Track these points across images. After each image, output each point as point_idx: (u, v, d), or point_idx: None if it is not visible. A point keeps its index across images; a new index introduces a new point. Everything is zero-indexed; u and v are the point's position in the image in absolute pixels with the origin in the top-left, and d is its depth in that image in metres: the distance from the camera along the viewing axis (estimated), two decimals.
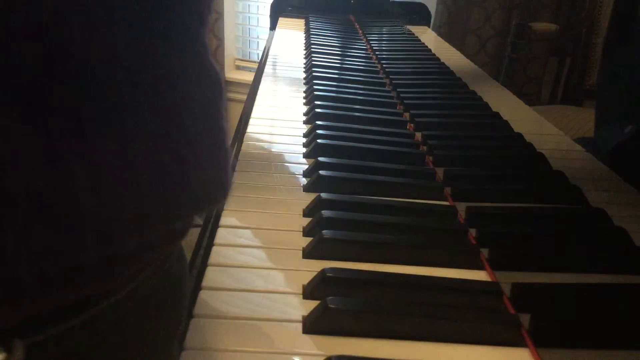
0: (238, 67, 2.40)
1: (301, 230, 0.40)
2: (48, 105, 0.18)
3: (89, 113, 0.19)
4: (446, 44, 1.19)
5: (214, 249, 0.36)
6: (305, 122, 0.63)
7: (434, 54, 1.00)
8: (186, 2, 0.22)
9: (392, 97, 0.72)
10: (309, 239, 0.38)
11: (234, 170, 0.49)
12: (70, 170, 0.18)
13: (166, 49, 0.22)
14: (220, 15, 2.13)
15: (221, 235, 0.38)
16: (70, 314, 0.23)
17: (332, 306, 0.30)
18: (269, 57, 0.94)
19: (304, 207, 0.43)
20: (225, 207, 0.42)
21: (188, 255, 0.46)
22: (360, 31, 1.18)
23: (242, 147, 0.54)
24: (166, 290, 0.28)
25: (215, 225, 0.39)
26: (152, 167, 0.21)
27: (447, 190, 0.48)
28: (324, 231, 0.37)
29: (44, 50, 0.17)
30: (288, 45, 1.05)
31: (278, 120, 0.63)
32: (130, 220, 0.21)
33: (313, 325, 0.30)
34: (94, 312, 0.23)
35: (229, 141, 0.27)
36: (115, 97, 0.20)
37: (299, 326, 0.30)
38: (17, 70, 0.17)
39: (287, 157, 0.53)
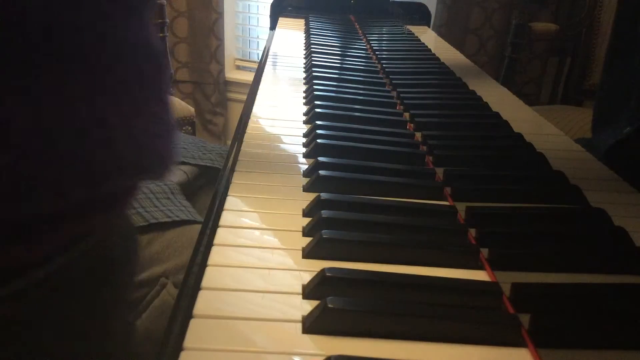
0: (238, 67, 2.40)
1: (301, 230, 0.40)
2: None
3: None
4: (446, 44, 1.19)
5: (214, 249, 0.36)
6: (305, 122, 0.63)
7: (434, 54, 1.00)
8: None
9: (392, 97, 0.72)
10: (308, 239, 0.38)
11: (232, 170, 0.49)
12: None
13: (107, 25, 0.22)
14: (220, 15, 2.13)
15: (221, 235, 0.38)
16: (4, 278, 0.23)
17: (332, 306, 0.30)
18: (269, 57, 0.94)
19: (304, 207, 0.43)
20: (225, 207, 0.42)
21: (188, 255, 0.46)
22: (360, 31, 1.18)
23: (242, 147, 0.54)
24: (105, 272, 0.28)
25: (215, 225, 0.39)
26: (69, 128, 0.21)
27: (447, 190, 0.48)
28: (323, 231, 0.37)
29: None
30: (288, 45, 1.05)
31: (278, 120, 0.63)
32: (46, 177, 0.20)
33: (313, 325, 0.30)
34: (24, 283, 0.23)
35: (172, 114, 0.27)
36: (43, 60, 0.20)
37: (299, 326, 0.30)
38: None
39: (287, 157, 0.53)
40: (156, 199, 0.75)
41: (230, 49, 2.33)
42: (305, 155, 0.53)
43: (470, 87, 0.79)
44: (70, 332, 0.27)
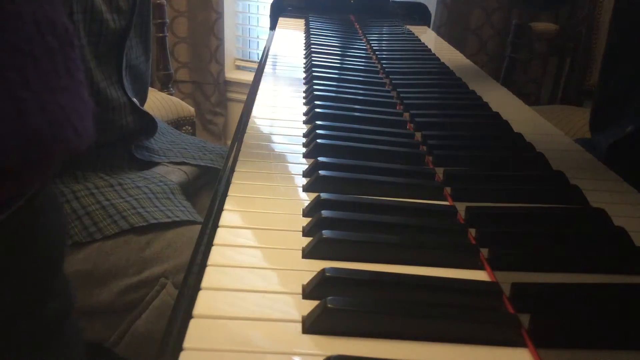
0: (238, 67, 2.40)
1: (301, 230, 0.40)
2: None
3: None
4: (446, 44, 1.19)
5: (214, 249, 0.36)
6: (305, 122, 0.63)
7: (434, 54, 1.00)
8: None
9: (392, 97, 0.72)
10: (308, 239, 0.38)
11: (232, 170, 0.48)
12: None
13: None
14: (220, 15, 2.13)
15: (221, 235, 0.38)
16: None
17: (332, 306, 0.30)
18: (269, 57, 0.94)
19: (304, 207, 0.43)
20: (225, 207, 0.42)
21: (188, 255, 0.46)
22: (360, 31, 1.18)
23: (242, 147, 0.54)
24: (25, 243, 0.29)
25: (215, 225, 0.39)
26: None
27: (447, 190, 0.48)
28: (323, 231, 0.37)
29: None
30: (288, 45, 1.05)
31: (278, 120, 0.63)
32: None
33: (313, 325, 0.30)
34: None
35: (85, 90, 0.28)
36: None
37: (299, 326, 0.30)
38: None
39: (287, 157, 0.53)
40: (156, 198, 0.75)
41: (230, 49, 2.33)
42: (305, 155, 0.53)
43: (470, 87, 0.79)
44: None
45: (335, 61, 0.89)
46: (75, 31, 0.26)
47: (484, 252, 0.38)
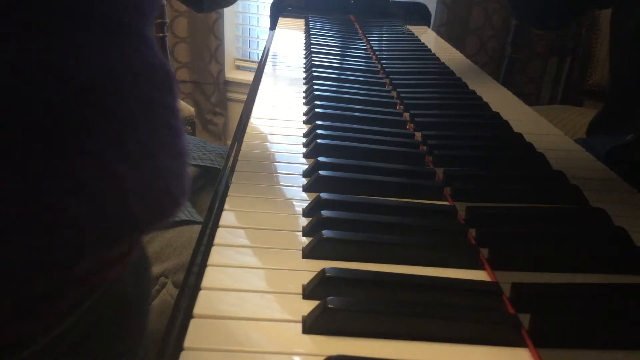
0: (238, 67, 2.40)
1: (301, 230, 0.40)
2: None
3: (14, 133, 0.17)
4: (446, 44, 1.19)
5: (214, 249, 0.36)
6: (305, 122, 0.63)
7: (434, 54, 1.00)
8: (122, 2, 0.20)
9: (392, 97, 0.72)
10: (309, 239, 0.38)
11: (232, 170, 0.49)
12: None
13: (102, 56, 0.19)
14: (220, 15, 2.13)
15: (221, 235, 0.38)
16: (20, 347, 0.21)
17: (332, 306, 0.30)
18: (269, 57, 0.94)
19: (304, 207, 0.43)
20: (225, 207, 0.42)
21: (188, 254, 0.46)
22: (360, 31, 1.18)
23: (242, 147, 0.54)
24: (121, 307, 0.27)
25: (215, 225, 0.39)
26: (69, 193, 0.18)
27: (447, 190, 0.48)
28: (323, 231, 0.37)
29: None
30: (288, 45, 1.05)
31: (278, 120, 0.63)
32: (60, 250, 0.18)
33: (313, 325, 0.30)
34: (45, 340, 0.22)
35: (183, 138, 0.24)
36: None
37: (299, 326, 0.30)
38: None
39: (287, 157, 0.53)
40: None
41: (230, 49, 2.33)
42: (305, 155, 0.53)
43: (470, 87, 0.79)
44: None
45: (335, 61, 0.89)
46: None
47: (484, 252, 0.38)
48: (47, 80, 0.17)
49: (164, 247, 0.69)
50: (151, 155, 0.21)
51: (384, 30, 1.25)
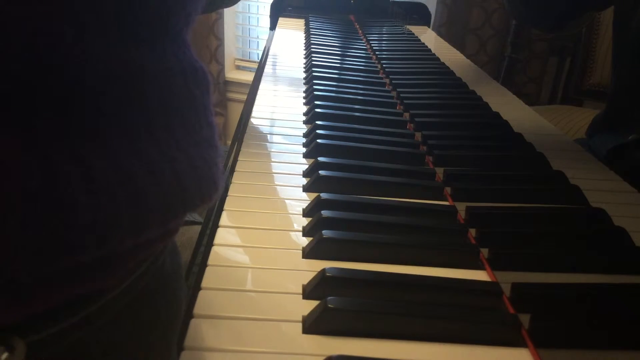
0: (238, 67, 2.40)
1: (301, 230, 0.40)
2: (36, 112, 0.18)
3: (77, 119, 0.19)
4: (446, 44, 1.19)
5: (214, 249, 0.36)
6: (305, 122, 0.63)
7: (434, 54, 1.00)
8: (180, 4, 0.23)
9: (392, 97, 0.72)
10: (309, 239, 0.38)
11: (232, 170, 0.49)
12: (63, 174, 0.19)
13: (151, 54, 0.22)
14: (220, 15, 2.13)
15: (221, 235, 0.38)
16: (69, 312, 0.23)
17: (332, 306, 0.30)
18: (269, 57, 0.94)
19: (304, 207, 0.43)
20: (225, 207, 0.42)
21: (188, 255, 0.46)
22: (360, 31, 1.18)
23: (242, 147, 0.54)
24: (159, 284, 0.28)
25: (215, 225, 0.39)
26: (144, 170, 0.21)
27: (447, 190, 0.48)
28: (323, 231, 0.37)
29: (32, 61, 0.17)
30: (288, 45, 1.05)
31: (278, 121, 0.63)
32: (125, 222, 0.21)
33: (313, 325, 0.30)
34: (91, 309, 0.24)
35: (218, 136, 0.27)
36: (101, 104, 0.20)
37: (299, 326, 0.30)
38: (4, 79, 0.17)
39: (287, 157, 0.53)
40: None
41: (230, 49, 2.33)
42: (305, 155, 0.53)
43: (470, 87, 0.79)
44: (139, 351, 0.28)
45: (335, 61, 0.89)
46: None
47: (484, 252, 0.38)
48: (124, 77, 0.20)
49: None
50: (196, 144, 0.25)
51: (384, 30, 1.25)
